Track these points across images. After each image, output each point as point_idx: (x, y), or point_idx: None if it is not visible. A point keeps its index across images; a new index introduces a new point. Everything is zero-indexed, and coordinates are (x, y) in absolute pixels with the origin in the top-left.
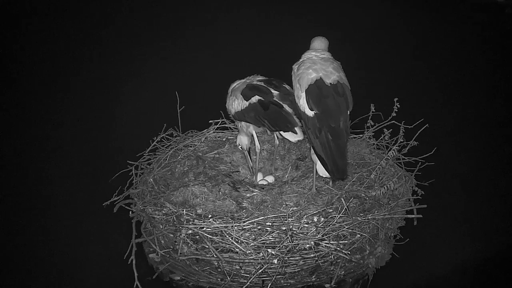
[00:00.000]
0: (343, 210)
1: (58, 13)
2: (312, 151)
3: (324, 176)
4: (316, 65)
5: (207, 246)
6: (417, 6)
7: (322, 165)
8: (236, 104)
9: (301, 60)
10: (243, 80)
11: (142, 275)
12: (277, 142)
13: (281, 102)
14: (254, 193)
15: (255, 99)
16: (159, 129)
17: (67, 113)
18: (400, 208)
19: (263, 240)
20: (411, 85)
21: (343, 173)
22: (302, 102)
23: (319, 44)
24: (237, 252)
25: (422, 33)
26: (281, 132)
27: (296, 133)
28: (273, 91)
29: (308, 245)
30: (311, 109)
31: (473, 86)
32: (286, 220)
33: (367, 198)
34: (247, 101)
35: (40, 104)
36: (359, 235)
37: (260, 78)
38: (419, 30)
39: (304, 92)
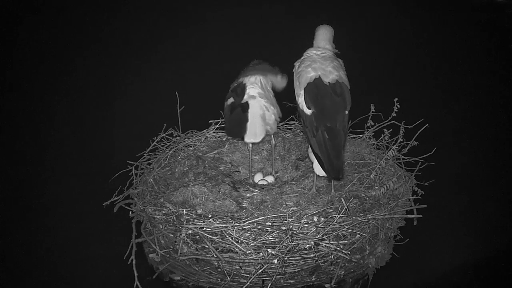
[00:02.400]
0: (343, 210)
1: (58, 13)
2: (310, 149)
3: (320, 174)
4: (316, 63)
5: (207, 246)
6: (417, 6)
7: (319, 163)
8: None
9: (302, 57)
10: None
11: (142, 275)
12: (273, 141)
13: (250, 103)
14: (254, 193)
15: (229, 101)
16: (159, 129)
17: (67, 113)
18: (400, 208)
19: (263, 240)
20: (411, 85)
21: (338, 172)
22: (301, 100)
23: (323, 32)
24: (237, 252)
25: (422, 33)
26: None
27: (242, 139)
28: (249, 89)
29: (308, 245)
30: (309, 108)
31: (473, 86)
32: (286, 220)
33: (367, 198)
34: (225, 101)
35: (40, 104)
36: (359, 235)
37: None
38: (419, 30)
39: (302, 90)
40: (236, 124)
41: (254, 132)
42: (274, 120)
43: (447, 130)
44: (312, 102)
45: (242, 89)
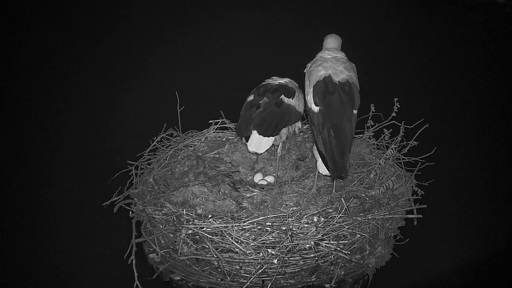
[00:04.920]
0: (343, 210)
1: (59, 13)
2: (315, 147)
3: (324, 174)
4: (327, 63)
5: (207, 246)
6: (417, 6)
7: (323, 162)
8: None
9: (314, 58)
10: (276, 77)
11: (142, 275)
12: (279, 151)
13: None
14: (254, 193)
15: (249, 98)
16: (159, 129)
17: (67, 113)
18: (400, 208)
19: (263, 240)
20: (411, 85)
21: (341, 171)
22: (309, 98)
23: (332, 41)
24: (237, 252)
25: (422, 33)
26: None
27: (246, 140)
28: (268, 95)
29: (308, 245)
30: (316, 105)
31: (473, 86)
32: (286, 220)
33: (367, 198)
34: (247, 97)
35: (40, 104)
36: (359, 235)
37: (281, 81)
38: (419, 30)
39: (312, 88)
40: (243, 122)
41: (259, 143)
42: (286, 133)
43: (447, 130)
44: (320, 99)
45: (265, 89)
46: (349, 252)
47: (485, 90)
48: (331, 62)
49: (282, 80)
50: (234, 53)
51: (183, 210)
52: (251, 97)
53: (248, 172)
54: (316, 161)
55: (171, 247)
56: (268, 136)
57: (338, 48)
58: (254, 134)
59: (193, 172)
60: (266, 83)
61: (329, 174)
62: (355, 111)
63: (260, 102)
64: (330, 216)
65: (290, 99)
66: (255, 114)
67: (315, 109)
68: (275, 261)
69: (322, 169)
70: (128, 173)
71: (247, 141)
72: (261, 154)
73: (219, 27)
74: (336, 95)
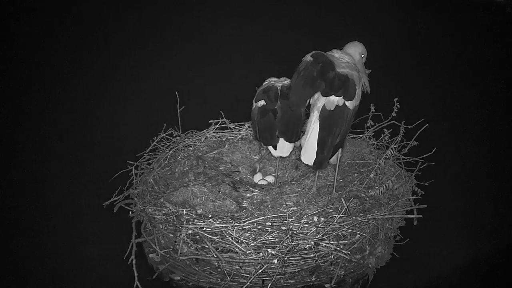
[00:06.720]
0: (343, 210)
1: (58, 12)
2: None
3: (305, 162)
4: (333, 58)
5: (207, 246)
6: (417, 6)
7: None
8: (253, 103)
9: None
10: (275, 79)
11: (142, 275)
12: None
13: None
14: (254, 193)
15: (260, 103)
16: (159, 129)
17: (67, 113)
18: (400, 208)
19: (263, 240)
20: (411, 85)
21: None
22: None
23: (349, 46)
24: (237, 252)
25: (422, 33)
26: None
27: (274, 148)
28: (281, 100)
29: (308, 245)
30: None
31: (473, 85)
32: (286, 220)
33: (367, 198)
34: (255, 102)
35: (40, 103)
36: (359, 235)
37: (284, 82)
38: (419, 30)
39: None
40: (266, 129)
41: (283, 147)
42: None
43: (447, 130)
44: (317, 58)
45: (275, 93)
46: (349, 252)
47: (485, 90)
48: (336, 58)
49: (285, 82)
50: (234, 53)
51: (183, 210)
52: (261, 102)
53: (248, 172)
54: (301, 148)
55: (171, 247)
56: (294, 142)
57: (352, 54)
58: (281, 141)
59: (193, 172)
60: (270, 85)
61: (312, 164)
62: (347, 103)
63: (275, 107)
64: (330, 216)
65: None
66: (277, 121)
67: (309, 58)
68: (275, 261)
69: (305, 157)
70: (128, 173)
71: (275, 148)
72: (286, 157)
73: (219, 27)
74: (332, 75)
